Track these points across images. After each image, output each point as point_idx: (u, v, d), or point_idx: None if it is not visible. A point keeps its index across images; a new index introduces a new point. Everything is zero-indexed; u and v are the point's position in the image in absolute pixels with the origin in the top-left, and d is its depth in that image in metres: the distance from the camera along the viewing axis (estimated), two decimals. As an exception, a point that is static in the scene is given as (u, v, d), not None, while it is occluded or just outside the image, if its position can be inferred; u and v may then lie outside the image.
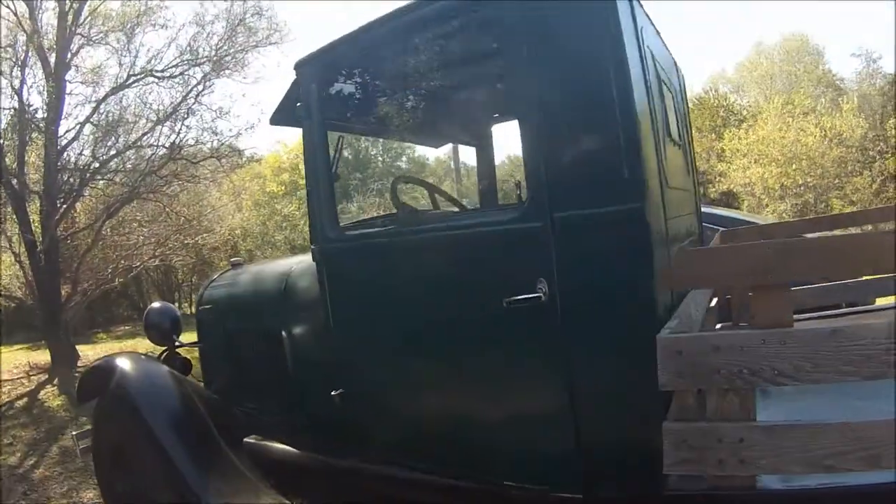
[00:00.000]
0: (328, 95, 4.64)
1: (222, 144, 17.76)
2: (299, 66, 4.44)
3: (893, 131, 31.23)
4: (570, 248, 3.36)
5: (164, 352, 6.12)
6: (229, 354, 5.65)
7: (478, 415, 3.83)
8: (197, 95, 17.02)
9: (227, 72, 17.57)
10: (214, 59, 17.19)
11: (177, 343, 6.12)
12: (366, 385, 4.29)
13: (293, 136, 44.41)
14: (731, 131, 33.87)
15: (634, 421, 3.24)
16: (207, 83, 17.22)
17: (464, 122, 6.57)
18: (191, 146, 17.44)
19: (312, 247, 4.36)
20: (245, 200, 27.99)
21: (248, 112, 66.97)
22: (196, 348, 6.12)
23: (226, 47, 17.46)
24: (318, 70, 4.40)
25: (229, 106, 32.94)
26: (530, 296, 3.39)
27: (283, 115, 4.96)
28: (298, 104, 4.44)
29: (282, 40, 18.48)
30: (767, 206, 29.50)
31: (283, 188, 37.74)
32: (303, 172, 4.70)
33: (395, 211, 4.78)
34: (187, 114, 16.90)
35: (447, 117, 6.29)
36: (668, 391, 2.91)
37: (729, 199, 31.08)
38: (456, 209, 5.89)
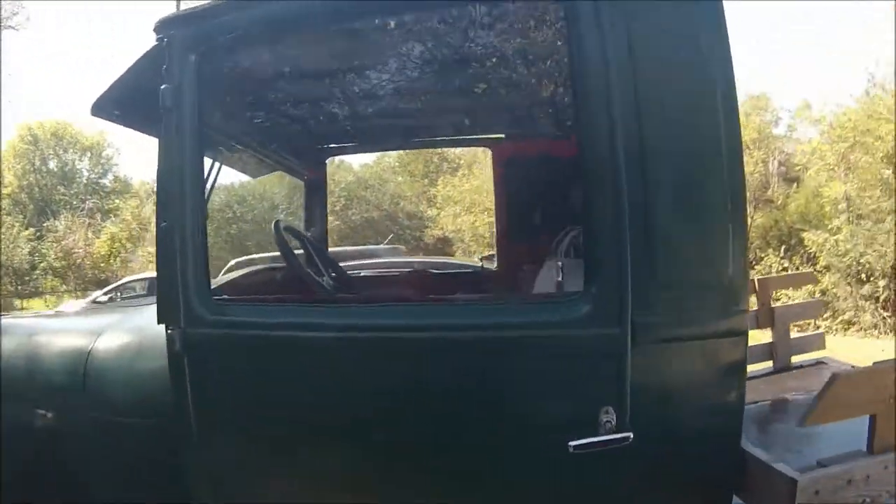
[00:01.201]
0: (216, 77, 3.33)
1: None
2: (168, 27, 2.95)
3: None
4: (655, 366, 2.60)
5: None
6: None
7: None
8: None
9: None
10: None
11: None
12: None
13: None
14: (445, 178, 34.97)
15: None
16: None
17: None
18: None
19: (168, 330, 2.92)
20: None
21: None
22: None
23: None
24: (203, 35, 2.96)
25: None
26: (613, 437, 2.52)
27: (114, 105, 3.48)
28: (164, 87, 2.89)
29: (27, 24, 17.31)
30: (475, 252, 30.65)
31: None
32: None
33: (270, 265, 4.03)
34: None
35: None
36: None
37: (444, 245, 32.18)
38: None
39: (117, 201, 38.69)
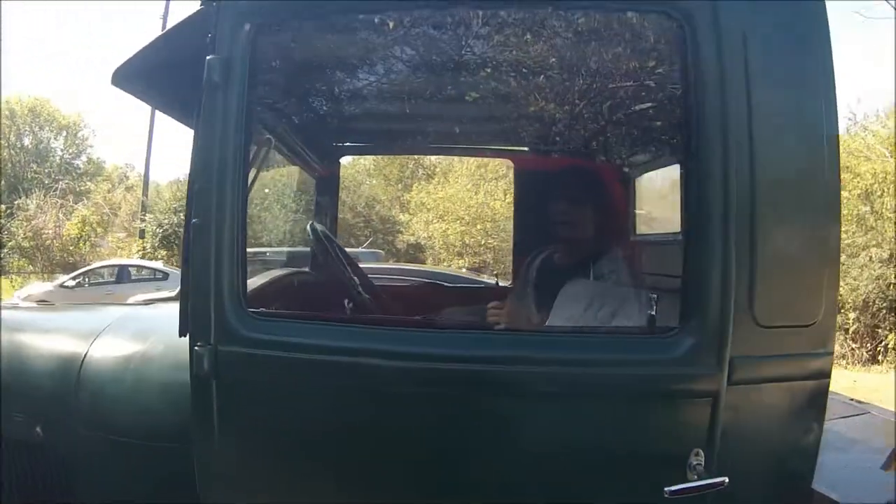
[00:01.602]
0: (271, 54, 3.11)
1: None
2: None
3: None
4: (744, 407, 2.49)
5: None
6: None
7: None
8: None
9: None
10: None
11: None
12: None
13: None
14: (419, 184, 34.95)
15: None
16: None
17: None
18: None
19: (195, 346, 2.58)
20: None
21: None
22: None
23: None
24: (262, 2, 2.68)
25: None
26: (710, 481, 2.41)
27: (139, 75, 3.06)
28: (211, 58, 2.55)
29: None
30: (444, 260, 30.67)
31: None
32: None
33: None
34: None
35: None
36: None
37: (416, 251, 32.18)
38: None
39: (89, 184, 38.37)
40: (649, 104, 3.66)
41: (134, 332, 3.47)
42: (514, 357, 2.51)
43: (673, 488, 2.36)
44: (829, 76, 2.50)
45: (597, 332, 3.07)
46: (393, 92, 4.16)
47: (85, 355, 3.23)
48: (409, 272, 10.11)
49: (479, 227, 30.78)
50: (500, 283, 5.93)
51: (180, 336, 2.64)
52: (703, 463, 2.39)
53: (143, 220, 30.31)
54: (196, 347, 2.54)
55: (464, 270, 18.70)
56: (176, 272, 22.31)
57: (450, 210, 31.03)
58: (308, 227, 4.08)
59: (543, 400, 2.52)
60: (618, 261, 3.45)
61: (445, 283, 6.93)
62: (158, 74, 3.02)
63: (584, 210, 3.49)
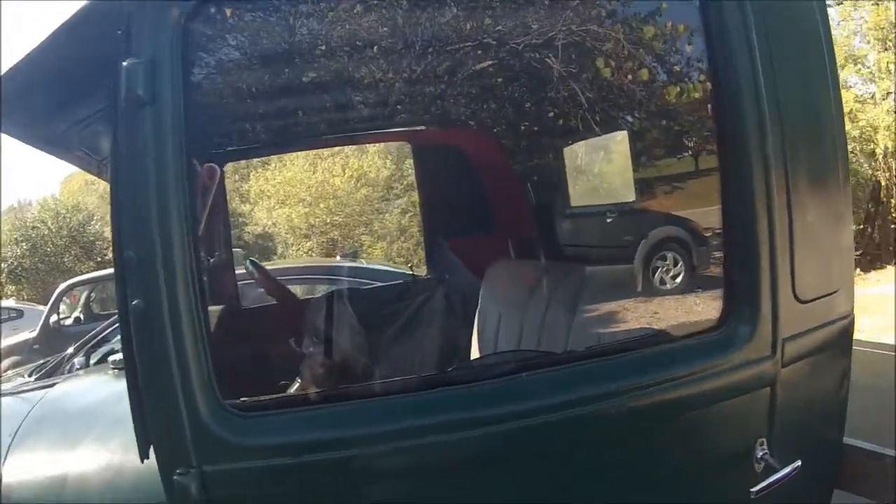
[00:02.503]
0: (208, 48, 2.60)
1: None
2: None
3: (411, 171, 33.70)
4: (791, 386, 2.43)
5: None
6: None
7: None
8: None
9: None
10: None
11: None
12: None
13: None
14: (256, 172, 34.49)
15: None
16: None
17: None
18: None
19: (175, 475, 1.98)
20: None
21: None
22: None
23: None
24: None
25: None
26: (788, 471, 2.36)
27: (24, 110, 2.58)
28: (128, 63, 1.87)
29: None
30: (292, 244, 30.43)
31: None
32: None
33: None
34: None
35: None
36: None
37: (266, 241, 31.78)
38: None
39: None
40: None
41: (52, 439, 2.89)
42: (595, 395, 2.25)
43: (757, 488, 2.33)
44: (830, 51, 2.55)
45: (651, 344, 2.64)
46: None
47: None
48: (286, 271, 9.36)
49: (322, 206, 30.66)
50: (418, 276, 5.55)
51: (141, 461, 2.08)
52: (768, 451, 2.35)
53: (-18, 258, 28.76)
54: (177, 477, 1.96)
55: (338, 258, 18.38)
56: (30, 307, 21.24)
57: (291, 193, 30.82)
58: (247, 262, 3.61)
59: (631, 428, 2.33)
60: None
61: (359, 286, 6.11)
62: (32, 95, 2.52)
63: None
